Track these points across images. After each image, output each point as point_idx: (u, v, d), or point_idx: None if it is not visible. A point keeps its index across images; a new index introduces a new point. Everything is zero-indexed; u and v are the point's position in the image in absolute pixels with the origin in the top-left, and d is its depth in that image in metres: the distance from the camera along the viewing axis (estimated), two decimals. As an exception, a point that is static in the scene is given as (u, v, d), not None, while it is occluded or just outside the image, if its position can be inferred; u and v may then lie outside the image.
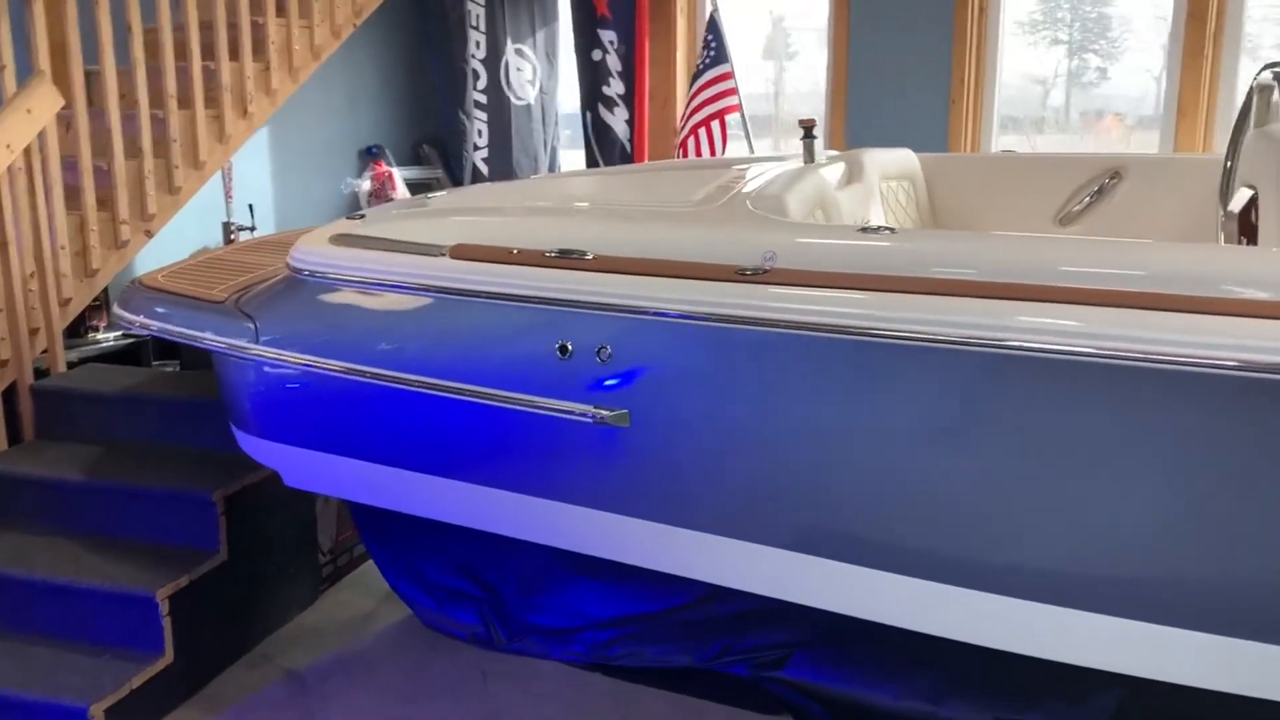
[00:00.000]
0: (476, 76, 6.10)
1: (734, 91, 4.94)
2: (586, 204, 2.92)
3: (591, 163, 6.04)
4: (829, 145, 5.45)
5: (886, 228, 2.25)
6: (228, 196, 5.15)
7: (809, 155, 3.12)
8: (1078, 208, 3.78)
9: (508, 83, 6.19)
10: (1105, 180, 3.74)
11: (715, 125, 4.95)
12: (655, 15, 5.83)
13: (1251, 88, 3.09)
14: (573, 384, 2.40)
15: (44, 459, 3.46)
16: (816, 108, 6.21)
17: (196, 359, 4.31)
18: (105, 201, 3.99)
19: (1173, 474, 1.96)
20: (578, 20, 6.03)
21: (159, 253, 4.50)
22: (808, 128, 3.13)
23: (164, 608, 2.97)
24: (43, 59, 3.67)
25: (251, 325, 2.85)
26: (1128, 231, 3.63)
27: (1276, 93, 3.00)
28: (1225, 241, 3.18)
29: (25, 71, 3.65)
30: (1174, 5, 4.54)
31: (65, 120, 3.87)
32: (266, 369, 2.86)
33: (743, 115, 5.02)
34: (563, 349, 2.40)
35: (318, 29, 4.76)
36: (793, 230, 2.38)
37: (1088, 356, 1.92)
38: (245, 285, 3.13)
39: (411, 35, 6.57)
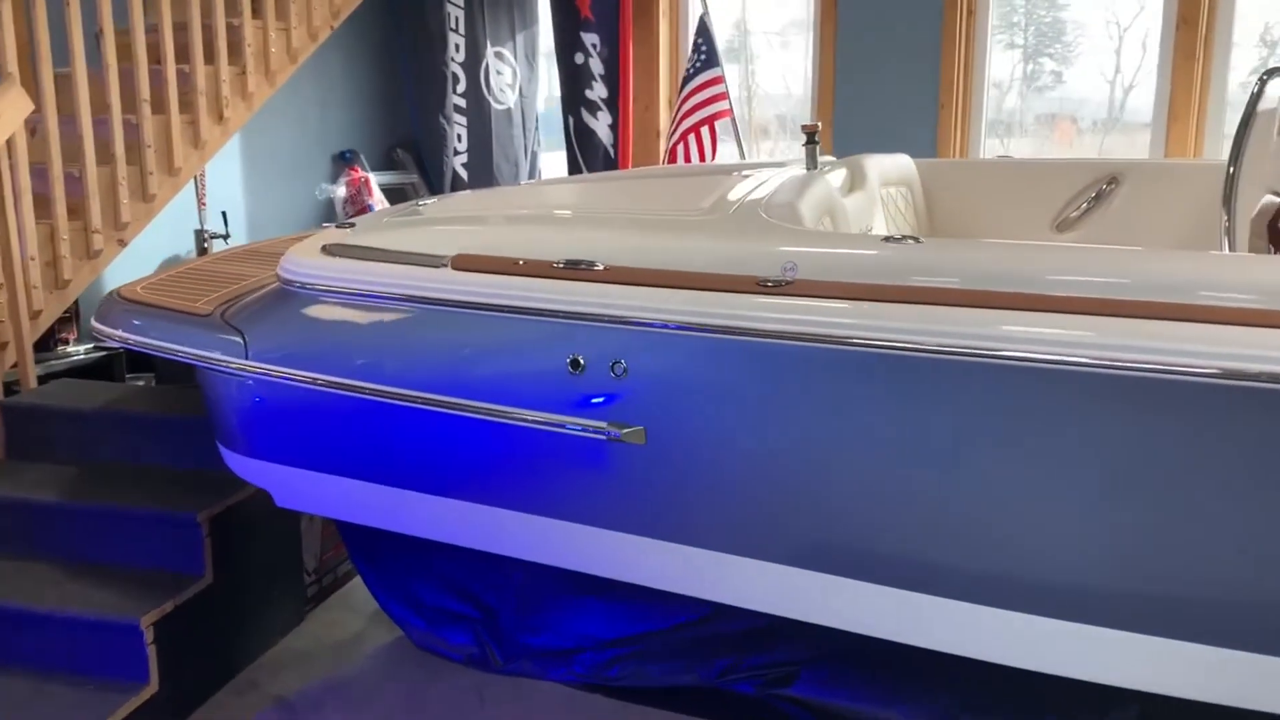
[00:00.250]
0: (456, 80, 5.98)
1: (725, 96, 4.87)
2: (589, 212, 2.83)
3: (574, 168, 5.94)
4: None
5: (911, 237, 2.19)
6: (200, 204, 5.00)
7: (812, 161, 3.05)
8: (1075, 214, 3.75)
9: (488, 86, 6.08)
10: (1103, 186, 3.72)
11: (705, 131, 4.87)
12: (639, 18, 5.75)
13: (1253, 94, 3.07)
14: (585, 399, 2.31)
15: (17, 480, 3.31)
16: (788, 111, 6.17)
17: (173, 373, 4.18)
18: (76, 210, 3.84)
19: (1212, 491, 1.91)
20: (559, 23, 5.93)
21: (128, 263, 4.35)
22: (811, 133, 3.06)
23: (149, 635, 2.84)
24: (10, 61, 3.52)
25: (240, 339, 2.73)
26: (1126, 238, 3.61)
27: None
28: (1232, 249, 3.16)
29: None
30: (1164, 9, 4.54)
31: (32, 125, 3.72)
32: (256, 385, 2.74)
33: (734, 121, 4.95)
34: (574, 363, 2.31)
35: (295, 31, 4.63)
36: (813, 240, 2.31)
37: (1130, 371, 1.86)
38: (230, 297, 3.01)
39: (383, 38, 6.44)
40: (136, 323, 2.97)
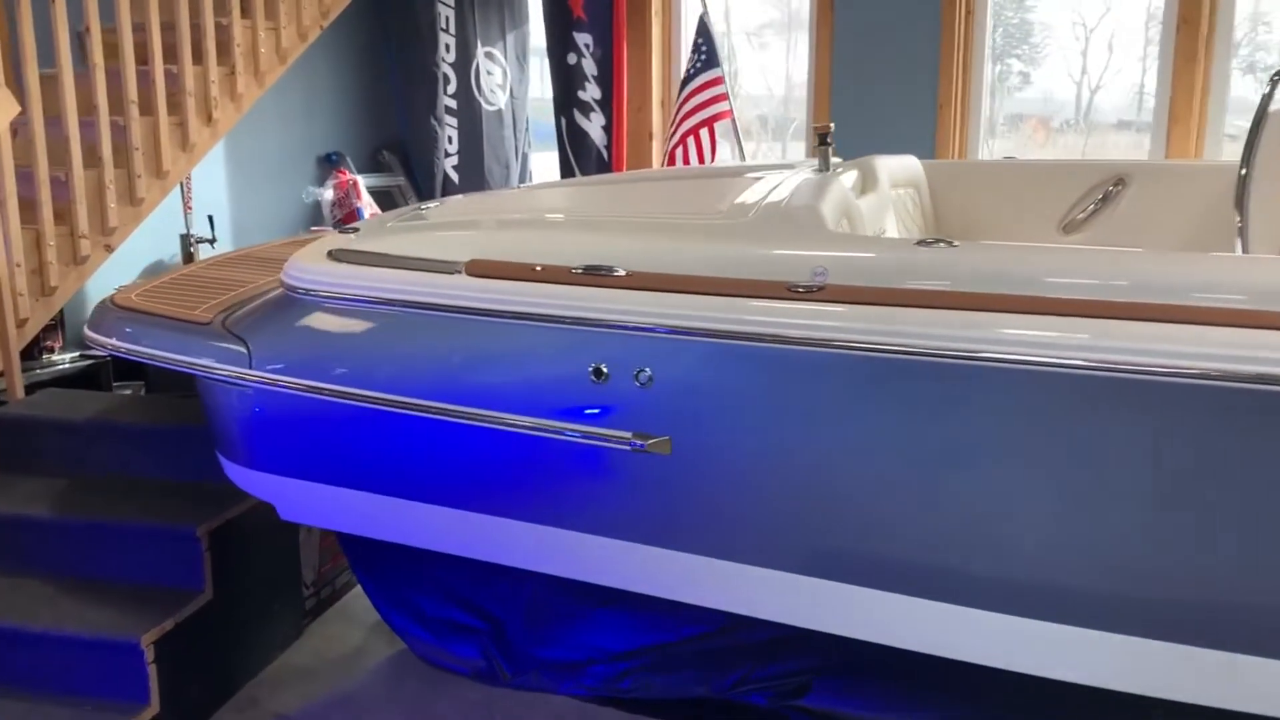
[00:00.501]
0: (447, 81, 5.89)
1: (725, 97, 4.81)
2: (601, 216, 2.76)
3: (566, 170, 5.86)
4: (811, 151, 5.35)
5: (944, 240, 2.14)
6: (186, 208, 4.89)
7: (825, 162, 3.00)
8: (1081, 215, 3.73)
9: (478, 87, 5.99)
10: (1109, 187, 3.69)
11: (705, 133, 4.81)
12: (630, 18, 5.67)
13: (1265, 95, 3.05)
14: (608, 409, 2.25)
15: (7, 494, 3.20)
16: (770, 111, 6.13)
17: (163, 382, 4.07)
18: (62, 215, 3.73)
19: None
20: (551, 23, 5.84)
21: (111, 269, 4.23)
22: (823, 134, 3.00)
23: (149, 654, 2.75)
24: (-6, 62, 3.42)
25: (243, 348, 2.64)
26: (1133, 240, 3.58)
27: None
28: (1245, 249, 3.14)
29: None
30: (1164, 10, 4.53)
31: (14, 127, 3.60)
32: (260, 395, 2.65)
33: (734, 122, 4.89)
34: (597, 372, 2.25)
35: (284, 31, 4.53)
36: (841, 243, 2.26)
37: (1178, 376, 1.82)
38: (230, 305, 2.92)
39: (368, 38, 6.34)
40: (133, 331, 2.88)
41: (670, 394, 2.19)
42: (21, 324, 3.57)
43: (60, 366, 4.15)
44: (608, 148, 5.76)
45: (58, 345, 4.23)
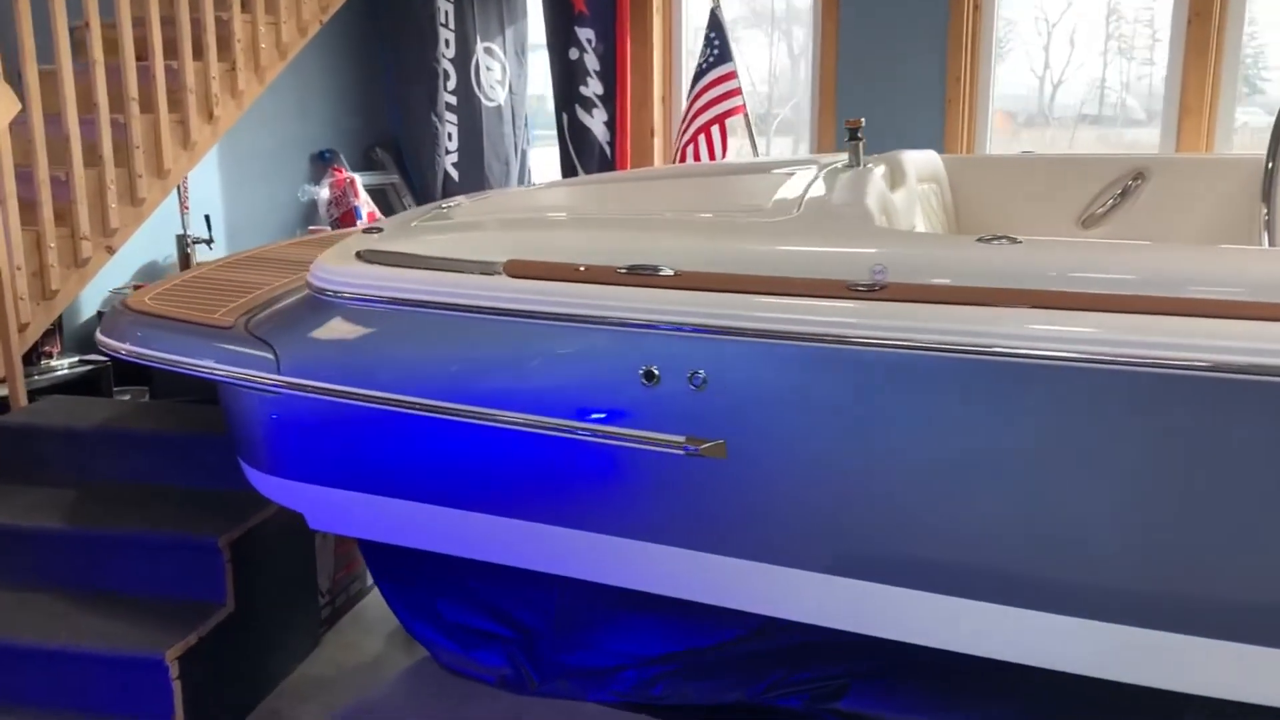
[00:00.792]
0: (447, 77, 5.79)
1: (738, 92, 4.75)
2: (636, 214, 2.69)
3: (568, 166, 5.78)
4: (816, 147, 5.32)
5: (1005, 237, 2.10)
6: (183, 207, 4.77)
7: (855, 158, 2.95)
8: (1101, 210, 3.71)
9: (478, 83, 5.89)
10: (1129, 182, 3.67)
11: (715, 130, 4.74)
12: (634, 12, 5.60)
13: None
14: (660, 413, 2.19)
15: (15, 505, 3.09)
16: (753, 107, 6.05)
17: (168, 386, 3.97)
18: (63, 216, 3.62)
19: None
20: (552, 17, 5.75)
21: (106, 270, 4.10)
22: (854, 130, 2.95)
23: (173, 670, 2.65)
24: (-7, 58, 3.31)
25: (270, 353, 2.56)
26: (1154, 234, 3.57)
27: None
28: (1272, 242, 3.13)
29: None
30: (1175, 4, 4.52)
31: (10, 126, 3.48)
32: (289, 401, 2.57)
33: (747, 117, 4.84)
34: (649, 375, 2.19)
35: (284, 26, 4.43)
36: (898, 241, 2.21)
37: (1265, 375, 1.79)
38: (250, 308, 2.84)
39: (361, 34, 6.23)
40: (150, 336, 2.78)
41: (725, 396, 2.13)
42: (23, 329, 3.47)
43: (59, 372, 4.03)
44: (610, 144, 5.68)
45: (56, 350, 4.11)
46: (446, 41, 5.73)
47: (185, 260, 4.82)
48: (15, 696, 2.72)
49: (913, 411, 2.04)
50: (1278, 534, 1.90)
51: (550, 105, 6.09)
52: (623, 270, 2.26)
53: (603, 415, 2.25)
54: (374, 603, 3.73)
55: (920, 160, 3.45)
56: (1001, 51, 5.48)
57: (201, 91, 4.09)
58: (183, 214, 4.78)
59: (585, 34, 5.59)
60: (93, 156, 3.69)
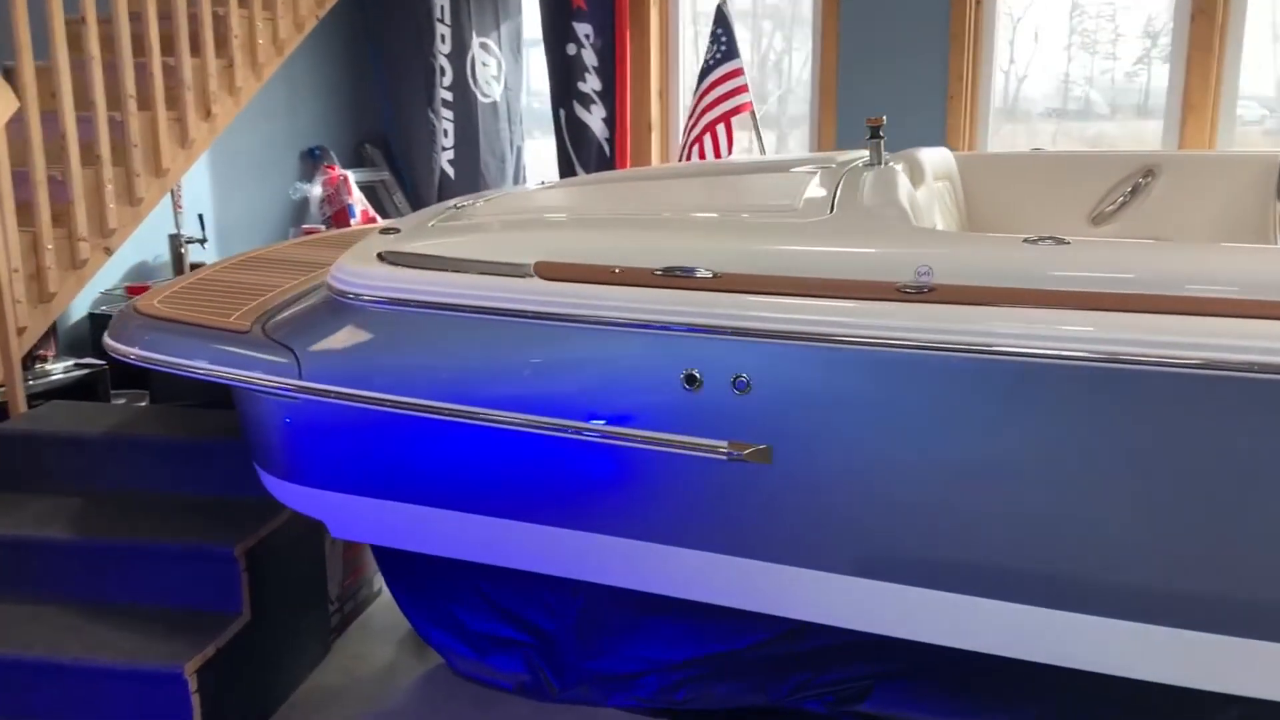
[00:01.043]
0: (443, 73, 5.70)
1: (745, 89, 4.71)
2: (663, 214, 2.64)
3: (565, 163, 5.71)
4: (817, 145, 5.29)
5: (1051, 238, 2.07)
6: (176, 207, 4.67)
7: (877, 156, 2.92)
8: (1111, 207, 3.70)
9: (474, 79, 5.81)
10: (1139, 179, 3.67)
11: (720, 128, 4.70)
12: (634, 6, 5.53)
13: None
14: (703, 418, 2.15)
15: (22, 515, 3.00)
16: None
17: (168, 391, 3.88)
18: (60, 216, 3.53)
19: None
20: (549, 13, 5.68)
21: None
22: (875, 127, 2.92)
23: (192, 684, 2.59)
24: (-12, 54, 3.21)
25: (291, 358, 2.50)
26: (1164, 232, 3.57)
27: None
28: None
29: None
30: (1178, 1, 4.53)
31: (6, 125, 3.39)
32: (310, 407, 2.51)
33: (753, 115, 4.80)
34: (690, 379, 2.15)
35: (281, 21, 4.34)
36: (941, 241, 2.18)
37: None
38: (264, 310, 2.77)
39: (351, 30, 6.14)
40: (162, 341, 2.70)
41: (770, 401, 2.10)
42: (20, 333, 3.37)
43: (55, 377, 3.93)
44: (609, 140, 5.62)
45: (50, 354, 4.01)
46: (443, 37, 5.64)
47: (179, 260, 4.72)
48: (27, 712, 2.64)
49: (968, 415, 2.01)
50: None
51: (541, 101, 6.03)
52: (658, 272, 2.22)
53: (642, 420, 2.21)
54: (381, 609, 3.67)
55: (936, 158, 3.43)
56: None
57: (199, 88, 4.01)
58: (176, 213, 4.69)
59: (583, 29, 5.52)
60: (89, 155, 3.59)
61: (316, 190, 5.67)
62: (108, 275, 4.59)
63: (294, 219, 5.75)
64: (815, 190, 2.60)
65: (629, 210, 2.75)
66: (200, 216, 4.89)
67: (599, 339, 2.23)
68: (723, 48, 4.71)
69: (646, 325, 2.17)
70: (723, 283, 2.16)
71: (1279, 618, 1.97)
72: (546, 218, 2.73)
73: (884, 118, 2.90)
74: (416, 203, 6.29)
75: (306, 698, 3.15)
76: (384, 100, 6.13)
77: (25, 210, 3.39)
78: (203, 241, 4.79)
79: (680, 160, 4.97)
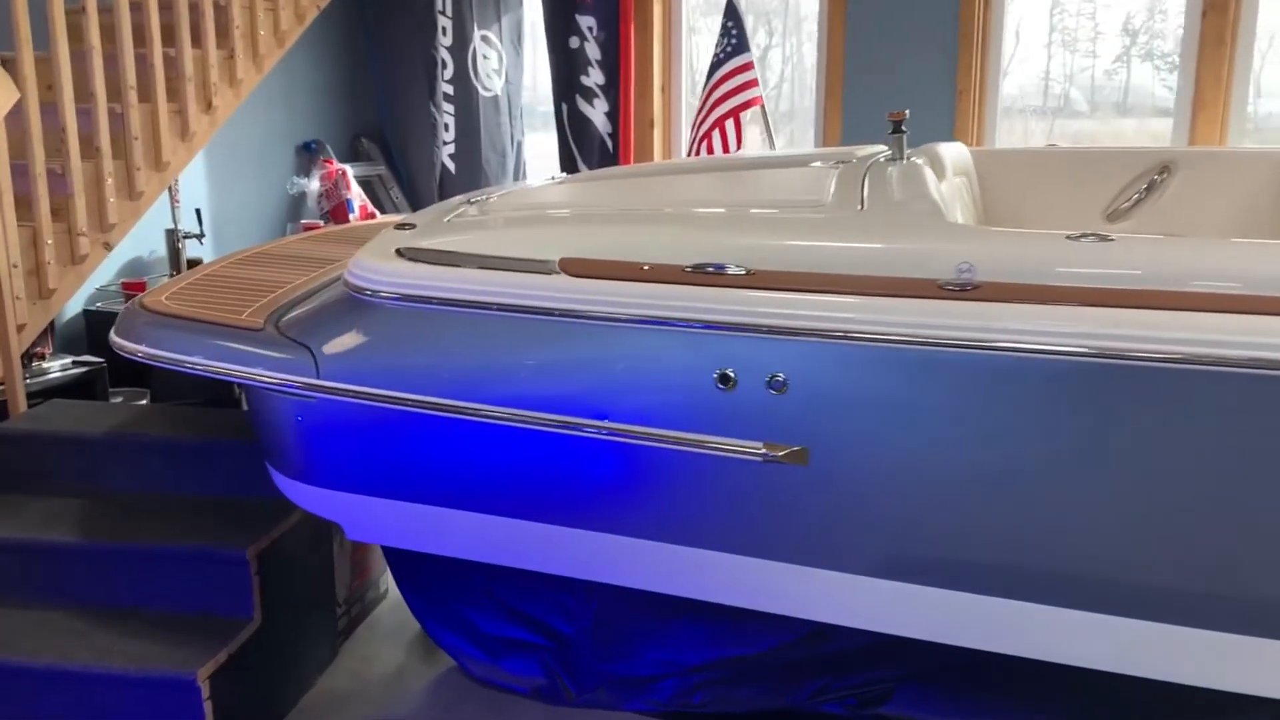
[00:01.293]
0: (444, 66, 5.62)
1: (755, 83, 4.65)
2: (687, 209, 2.59)
3: (567, 158, 5.64)
4: (823, 140, 5.24)
5: (1093, 234, 2.03)
6: (174, 201, 4.58)
7: (899, 151, 2.88)
8: (1126, 204, 3.67)
9: (475, 72, 5.74)
10: (1155, 176, 3.64)
11: (730, 123, 4.64)
12: (639, 1, 5.46)
13: None
14: (736, 418, 2.10)
15: (27, 517, 2.92)
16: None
17: (170, 389, 3.81)
18: (59, 211, 3.44)
19: None
20: (551, 5, 5.60)
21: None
22: (898, 122, 2.88)
23: (205, 690, 2.52)
24: (-14, 44, 3.13)
25: (308, 357, 2.43)
26: (1180, 228, 3.54)
27: None
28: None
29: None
30: (1189, -2, 4.51)
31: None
32: (327, 407, 2.45)
33: (764, 108, 4.74)
34: (723, 378, 2.10)
35: (282, 12, 4.26)
36: (983, 238, 2.13)
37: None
38: (276, 307, 2.70)
39: (345, 22, 6.05)
40: (173, 339, 2.63)
41: (807, 402, 2.05)
42: (20, 330, 3.29)
43: (53, 375, 3.84)
44: (613, 135, 5.55)
45: (48, 352, 3.92)
46: (444, 29, 5.56)
47: (176, 255, 4.63)
48: (33, 721, 2.57)
49: (1012, 416, 1.96)
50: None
51: (537, 96, 5.96)
52: (688, 268, 2.17)
53: (673, 420, 2.15)
54: (388, 612, 3.62)
55: (954, 154, 3.39)
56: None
57: (200, 80, 3.92)
58: (173, 208, 4.60)
59: (586, 22, 5.45)
60: (89, 148, 3.51)
61: (314, 185, 5.58)
62: (104, 271, 4.50)
63: (291, 214, 5.66)
64: (841, 186, 2.55)
65: (649, 205, 2.70)
66: (198, 211, 4.80)
67: (628, 337, 2.18)
68: (733, 41, 4.66)
69: (680, 323, 2.11)
70: (756, 280, 2.11)
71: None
72: (566, 213, 2.67)
73: (906, 112, 2.86)
74: (413, 197, 6.21)
75: (315, 702, 3.09)
76: (382, 94, 6.05)
77: (23, 204, 3.30)
78: (200, 237, 4.71)
79: (690, 154, 4.92)
